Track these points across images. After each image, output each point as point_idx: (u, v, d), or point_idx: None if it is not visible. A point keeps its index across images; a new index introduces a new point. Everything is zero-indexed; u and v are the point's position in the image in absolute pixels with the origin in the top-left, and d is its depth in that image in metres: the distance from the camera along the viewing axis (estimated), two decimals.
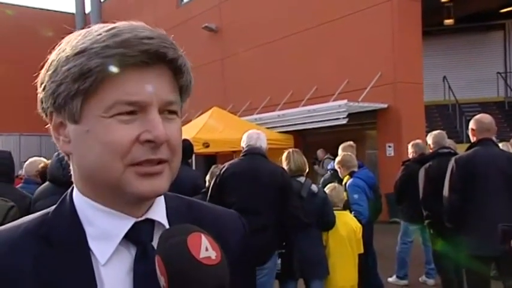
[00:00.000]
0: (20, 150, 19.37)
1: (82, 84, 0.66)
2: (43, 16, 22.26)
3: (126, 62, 0.66)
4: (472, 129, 3.70)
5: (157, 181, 0.69)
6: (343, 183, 4.63)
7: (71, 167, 0.76)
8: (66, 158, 0.76)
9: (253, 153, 3.74)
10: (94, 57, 0.66)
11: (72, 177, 0.76)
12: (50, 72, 0.70)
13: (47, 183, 3.43)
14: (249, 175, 3.65)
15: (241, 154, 3.83)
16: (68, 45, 0.70)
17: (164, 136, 0.67)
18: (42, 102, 0.73)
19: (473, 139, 3.72)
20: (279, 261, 3.77)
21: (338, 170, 4.85)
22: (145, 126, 0.67)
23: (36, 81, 0.74)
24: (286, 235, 3.75)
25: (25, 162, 4.60)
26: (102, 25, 0.71)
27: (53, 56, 0.71)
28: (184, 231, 0.66)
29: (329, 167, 5.88)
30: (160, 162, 0.69)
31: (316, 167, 10.37)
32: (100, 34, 0.68)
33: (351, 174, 4.70)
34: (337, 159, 4.89)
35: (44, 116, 0.75)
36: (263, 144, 3.82)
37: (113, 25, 0.70)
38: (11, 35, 20.81)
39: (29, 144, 19.52)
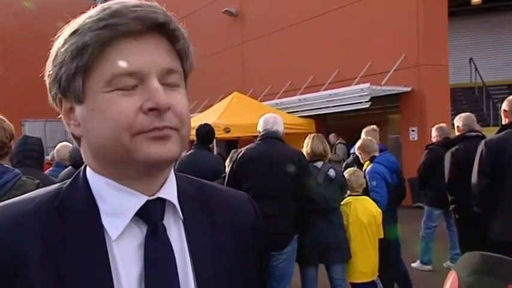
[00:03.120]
0: (46, 136, 19.79)
1: (80, 61, 0.68)
2: (62, 3, 22.34)
3: (118, 30, 0.67)
4: (505, 111, 3.56)
5: (167, 145, 0.70)
6: (363, 168, 4.54)
7: (81, 149, 0.77)
8: (75, 142, 0.77)
9: (270, 137, 3.72)
10: (88, 32, 0.68)
11: (83, 158, 0.77)
12: (52, 58, 0.73)
13: (69, 167, 3.50)
14: (265, 159, 3.61)
15: (258, 138, 3.80)
16: (67, 29, 0.72)
17: (165, 102, 0.68)
18: (50, 91, 0.74)
19: (505, 121, 3.57)
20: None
21: (359, 155, 4.76)
22: (147, 95, 0.68)
23: None
24: (304, 219, 3.71)
25: (54, 147, 4.77)
26: (98, 6, 0.73)
27: (54, 45, 0.74)
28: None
29: (351, 151, 5.80)
30: (167, 128, 0.70)
31: None
32: (93, 12, 0.71)
33: (372, 160, 4.60)
34: (357, 144, 4.79)
35: (55, 106, 0.76)
36: (280, 128, 3.78)
37: (105, 4, 0.72)
38: (32, 23, 21.03)
39: (54, 130, 19.89)
